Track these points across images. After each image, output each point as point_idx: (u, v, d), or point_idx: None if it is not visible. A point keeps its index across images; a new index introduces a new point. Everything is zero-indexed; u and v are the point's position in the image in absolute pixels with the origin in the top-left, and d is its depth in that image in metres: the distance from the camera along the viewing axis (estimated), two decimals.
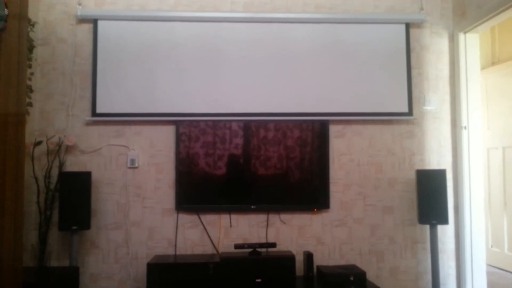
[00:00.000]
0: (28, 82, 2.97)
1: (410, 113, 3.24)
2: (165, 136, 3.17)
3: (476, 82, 3.24)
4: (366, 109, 3.24)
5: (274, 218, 3.18)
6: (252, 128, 3.13)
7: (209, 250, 3.13)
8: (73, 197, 2.85)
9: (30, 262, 2.95)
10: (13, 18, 1.81)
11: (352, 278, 2.77)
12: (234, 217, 3.16)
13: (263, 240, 3.16)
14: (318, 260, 3.16)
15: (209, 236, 3.14)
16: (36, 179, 2.95)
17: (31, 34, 3.01)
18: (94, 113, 3.11)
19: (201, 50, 3.17)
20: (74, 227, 2.84)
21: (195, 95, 3.15)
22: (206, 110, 3.14)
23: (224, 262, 2.80)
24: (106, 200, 3.11)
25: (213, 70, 3.17)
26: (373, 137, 3.27)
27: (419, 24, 3.33)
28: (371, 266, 3.19)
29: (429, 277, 3.18)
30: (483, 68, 4.01)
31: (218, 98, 3.16)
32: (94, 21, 3.15)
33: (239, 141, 3.12)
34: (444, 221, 2.96)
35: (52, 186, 2.98)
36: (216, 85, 3.16)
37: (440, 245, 3.19)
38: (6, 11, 1.75)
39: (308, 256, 2.92)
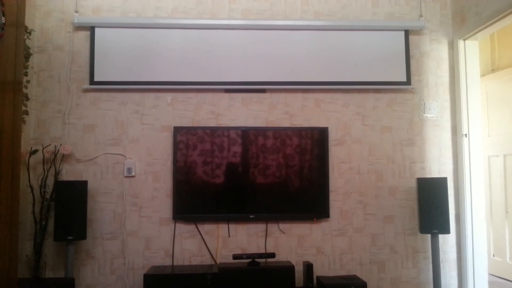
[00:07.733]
0: (24, 90, 2.94)
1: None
2: (162, 145, 3.13)
3: (476, 89, 3.22)
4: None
5: (273, 227, 3.14)
6: (251, 136, 3.09)
7: (207, 260, 3.08)
8: (69, 206, 2.81)
9: (25, 273, 2.90)
10: (10, 26, 1.80)
11: None
12: (233, 226, 3.12)
13: (262, 250, 3.11)
14: (318, 271, 3.12)
15: (207, 246, 3.09)
16: (32, 188, 2.90)
17: (28, 42, 2.99)
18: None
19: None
20: (70, 237, 2.79)
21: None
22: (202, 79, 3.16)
23: (222, 273, 2.76)
24: (103, 210, 3.07)
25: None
26: (373, 144, 3.24)
27: (418, 31, 3.31)
28: (372, 277, 3.15)
29: (430, 287, 3.13)
30: (483, 75, 4.00)
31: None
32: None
33: (237, 149, 3.08)
34: (446, 230, 2.92)
35: (47, 195, 2.94)
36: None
37: (441, 255, 3.15)
38: (3, 19, 1.74)
39: (308, 267, 2.87)
